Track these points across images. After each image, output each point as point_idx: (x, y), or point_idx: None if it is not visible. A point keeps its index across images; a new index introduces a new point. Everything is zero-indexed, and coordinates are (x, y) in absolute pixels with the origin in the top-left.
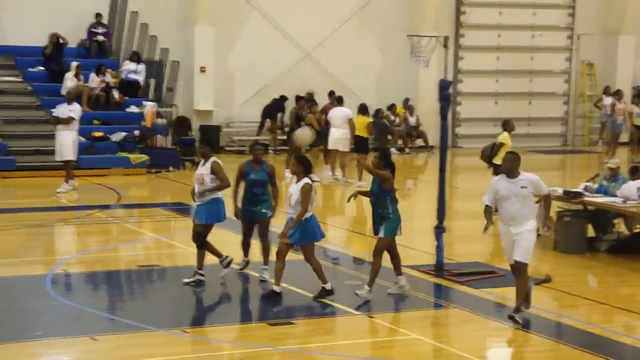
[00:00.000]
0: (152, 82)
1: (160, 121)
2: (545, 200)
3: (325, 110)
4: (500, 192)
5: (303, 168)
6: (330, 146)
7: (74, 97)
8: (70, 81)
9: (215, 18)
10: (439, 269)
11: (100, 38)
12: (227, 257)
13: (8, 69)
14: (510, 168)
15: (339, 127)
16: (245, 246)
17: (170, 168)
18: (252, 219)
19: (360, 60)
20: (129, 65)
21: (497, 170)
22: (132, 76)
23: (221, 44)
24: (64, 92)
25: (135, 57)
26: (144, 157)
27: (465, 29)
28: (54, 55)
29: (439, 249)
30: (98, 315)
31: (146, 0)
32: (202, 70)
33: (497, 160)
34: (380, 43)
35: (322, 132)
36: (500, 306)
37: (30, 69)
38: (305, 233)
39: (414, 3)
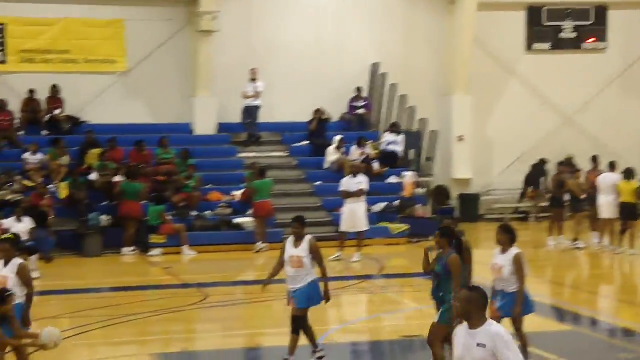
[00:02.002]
0: (411, 152)
1: (419, 191)
2: None
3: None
4: (457, 352)
5: (509, 237)
6: (603, 214)
7: (359, 170)
8: (332, 155)
9: (473, 87)
10: None
11: (361, 111)
12: (322, 349)
13: (275, 145)
14: (463, 311)
15: (608, 194)
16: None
17: (430, 238)
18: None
19: (625, 122)
20: (388, 137)
21: None
22: (392, 147)
23: (479, 112)
24: (326, 165)
25: (395, 128)
26: (404, 227)
27: None
28: (318, 130)
29: None
30: None
31: (404, 72)
32: (461, 139)
33: None
34: None
35: (587, 199)
36: None
37: (296, 144)
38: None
39: None
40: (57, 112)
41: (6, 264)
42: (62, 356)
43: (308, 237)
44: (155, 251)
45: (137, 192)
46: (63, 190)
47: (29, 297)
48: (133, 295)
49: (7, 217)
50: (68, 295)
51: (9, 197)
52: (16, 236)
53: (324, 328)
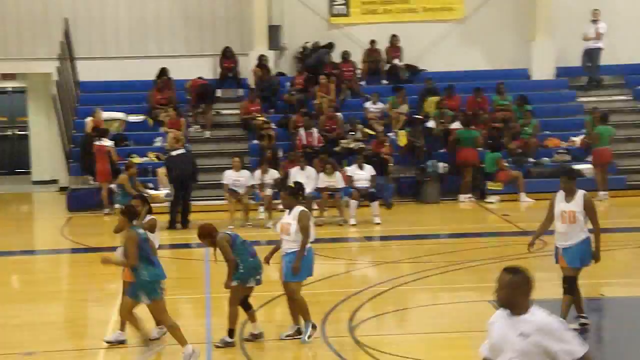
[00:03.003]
0: None
1: None
2: None
3: None
4: (492, 340)
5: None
6: None
7: None
8: None
9: None
10: None
11: None
12: (586, 317)
13: (618, 88)
14: (505, 297)
15: None
16: None
17: None
18: None
19: None
20: None
21: None
22: None
23: None
24: None
25: None
26: None
27: None
28: None
29: None
30: None
31: None
32: None
33: None
34: None
35: None
36: None
37: None
38: None
39: None
40: (396, 61)
41: (290, 211)
42: (402, 301)
43: (581, 192)
44: (492, 198)
45: (473, 139)
46: (402, 138)
47: (303, 244)
48: (471, 241)
49: (349, 164)
50: (407, 240)
51: (352, 145)
52: (296, 185)
53: None
